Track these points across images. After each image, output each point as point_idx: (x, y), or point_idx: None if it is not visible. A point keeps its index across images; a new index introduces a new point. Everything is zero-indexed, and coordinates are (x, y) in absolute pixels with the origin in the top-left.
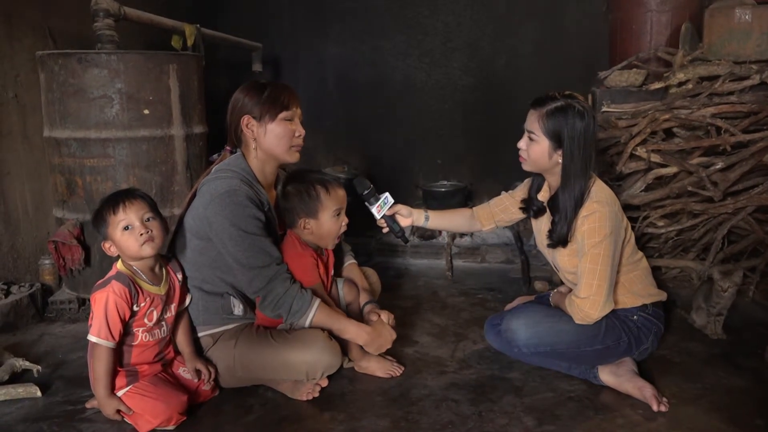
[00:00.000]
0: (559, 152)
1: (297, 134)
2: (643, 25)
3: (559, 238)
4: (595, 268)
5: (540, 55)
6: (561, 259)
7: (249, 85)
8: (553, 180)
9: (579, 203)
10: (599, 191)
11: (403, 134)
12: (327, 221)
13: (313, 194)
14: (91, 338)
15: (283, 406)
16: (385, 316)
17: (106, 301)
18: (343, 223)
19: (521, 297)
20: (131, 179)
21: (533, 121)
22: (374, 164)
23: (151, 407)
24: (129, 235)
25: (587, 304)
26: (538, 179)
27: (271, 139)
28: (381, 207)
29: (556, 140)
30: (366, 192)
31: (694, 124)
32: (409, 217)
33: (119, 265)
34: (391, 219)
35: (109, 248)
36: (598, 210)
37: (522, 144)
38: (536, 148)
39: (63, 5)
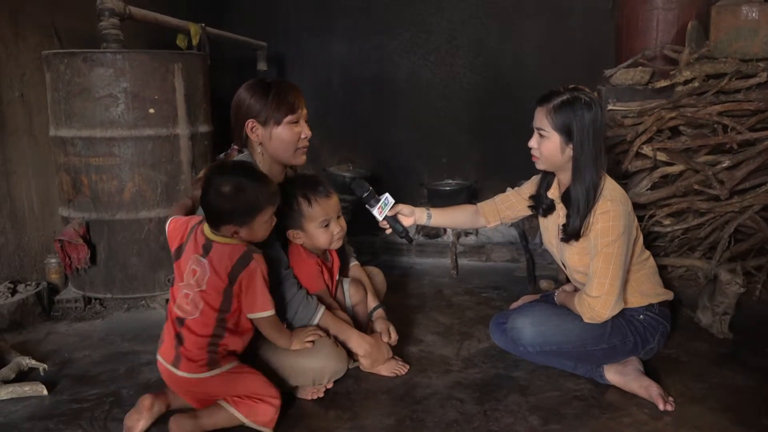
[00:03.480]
0: (571, 146)
1: (303, 136)
2: (649, 23)
3: (573, 232)
4: (608, 268)
5: (545, 52)
6: (570, 257)
7: (253, 84)
8: (565, 177)
9: (592, 195)
10: (613, 190)
11: (408, 132)
12: (314, 232)
13: (295, 207)
14: (262, 314)
15: (289, 405)
16: (394, 336)
17: (261, 273)
18: (336, 231)
19: (526, 296)
20: (137, 178)
21: (541, 118)
22: (379, 163)
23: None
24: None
25: (599, 303)
26: (548, 177)
27: (277, 144)
28: (382, 208)
29: (567, 134)
30: (365, 194)
31: (700, 122)
32: (412, 216)
33: (234, 240)
34: (393, 219)
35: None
36: (612, 209)
37: (533, 143)
38: (548, 145)
39: (69, 4)
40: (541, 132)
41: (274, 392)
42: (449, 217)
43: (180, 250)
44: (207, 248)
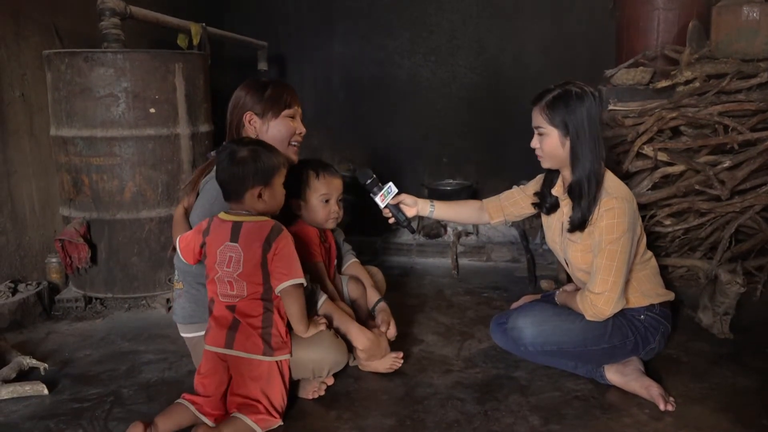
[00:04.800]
0: (569, 138)
1: (298, 132)
2: (650, 23)
3: (576, 221)
4: (612, 265)
5: (546, 52)
6: (574, 254)
7: (250, 82)
8: (569, 173)
9: (594, 183)
10: (618, 187)
11: (408, 132)
12: (315, 204)
13: (303, 177)
14: (297, 280)
15: (290, 405)
16: (393, 330)
17: (292, 244)
18: (333, 210)
19: (527, 296)
20: (137, 178)
21: (537, 116)
22: (380, 162)
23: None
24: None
25: (601, 300)
26: (551, 175)
27: (274, 135)
28: (385, 196)
29: (563, 127)
30: (369, 181)
31: (701, 123)
32: (414, 207)
33: (261, 216)
34: (395, 208)
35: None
36: (617, 206)
37: (534, 143)
38: (548, 142)
39: (69, 4)
40: (540, 130)
41: (283, 410)
42: (453, 211)
43: (203, 248)
44: (236, 231)
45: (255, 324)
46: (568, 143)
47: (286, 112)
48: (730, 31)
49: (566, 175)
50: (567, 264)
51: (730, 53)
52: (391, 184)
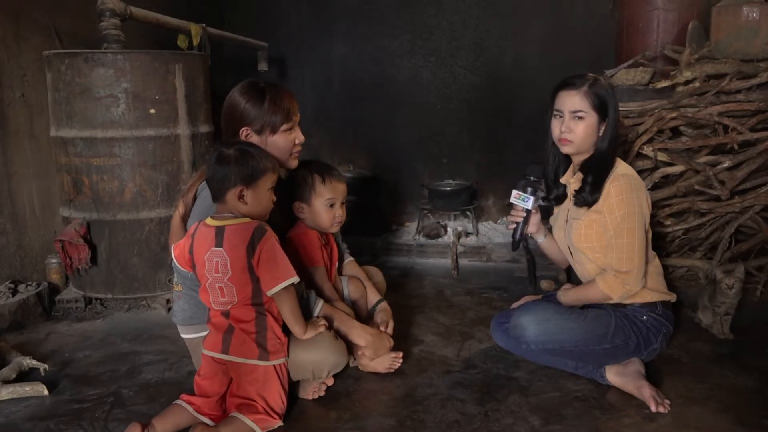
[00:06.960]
0: (605, 124)
1: (297, 142)
2: (649, 24)
3: (588, 198)
4: (633, 242)
5: (546, 53)
6: (577, 234)
7: (247, 89)
8: (581, 159)
9: (608, 163)
10: (625, 167)
11: (408, 133)
12: (319, 209)
13: (309, 181)
14: (288, 281)
15: (290, 405)
16: (389, 331)
17: (277, 244)
18: (338, 214)
19: (527, 296)
20: (138, 178)
21: (578, 100)
22: (380, 163)
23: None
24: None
25: (632, 277)
26: (557, 166)
27: (272, 151)
28: (537, 200)
29: (603, 112)
30: (535, 179)
31: (701, 123)
32: (536, 226)
33: (243, 218)
34: (526, 218)
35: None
36: (623, 182)
37: (568, 127)
38: (585, 126)
39: (69, 5)
40: (580, 114)
41: (282, 411)
42: (555, 249)
43: (192, 256)
44: (220, 235)
45: (249, 329)
46: (602, 128)
47: (284, 126)
48: (729, 31)
49: (578, 161)
50: (571, 253)
51: (729, 53)
52: (541, 197)
